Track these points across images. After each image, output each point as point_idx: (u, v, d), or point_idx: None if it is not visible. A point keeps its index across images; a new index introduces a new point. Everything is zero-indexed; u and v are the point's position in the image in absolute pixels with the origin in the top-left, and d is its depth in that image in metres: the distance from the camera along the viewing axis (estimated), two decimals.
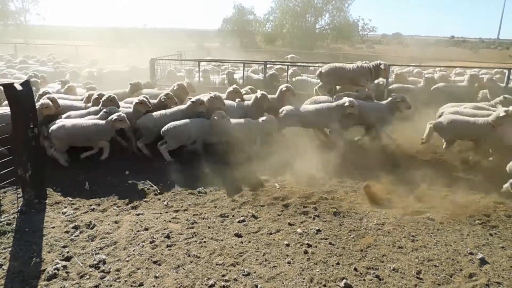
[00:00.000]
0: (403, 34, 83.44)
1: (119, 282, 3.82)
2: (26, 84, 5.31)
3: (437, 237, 4.84)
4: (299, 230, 4.86)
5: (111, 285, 3.77)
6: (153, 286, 3.77)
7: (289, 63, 13.29)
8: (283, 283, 3.87)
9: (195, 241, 4.56)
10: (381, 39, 68.17)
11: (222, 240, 4.61)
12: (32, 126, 5.29)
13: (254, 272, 4.02)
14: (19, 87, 5.15)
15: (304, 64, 14.20)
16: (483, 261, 4.34)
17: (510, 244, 4.73)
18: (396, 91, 10.01)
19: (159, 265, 4.10)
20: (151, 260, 4.17)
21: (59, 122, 6.90)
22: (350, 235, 4.83)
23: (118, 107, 7.51)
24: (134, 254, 4.26)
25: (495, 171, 6.77)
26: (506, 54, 44.75)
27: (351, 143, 8.21)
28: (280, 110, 8.15)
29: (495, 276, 4.08)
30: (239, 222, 5.07)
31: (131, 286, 3.76)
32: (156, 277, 3.89)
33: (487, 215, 5.45)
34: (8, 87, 5.08)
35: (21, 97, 5.15)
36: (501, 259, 4.40)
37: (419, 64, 16.96)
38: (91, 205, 5.45)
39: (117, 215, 5.21)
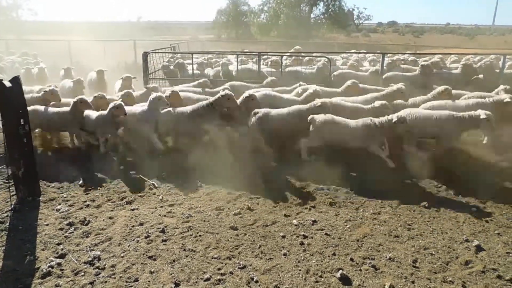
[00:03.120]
0: (398, 22, 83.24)
1: (114, 278, 3.79)
2: (16, 80, 5.23)
3: (433, 225, 4.84)
4: (295, 222, 4.85)
5: (106, 282, 3.74)
6: (149, 281, 3.75)
7: (283, 54, 13.19)
8: (279, 275, 3.86)
9: (191, 235, 4.53)
10: (376, 28, 67.92)
11: (217, 233, 4.58)
12: (23, 123, 5.23)
13: (250, 265, 4.00)
14: (8, 84, 5.08)
15: (301, 54, 14.08)
16: (479, 248, 4.33)
17: (505, 230, 4.73)
18: (391, 79, 9.96)
19: (155, 260, 4.08)
20: (146, 255, 4.15)
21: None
22: (346, 225, 4.81)
23: None
24: (129, 250, 4.24)
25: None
26: (501, 40, 44.63)
27: None
28: None
29: (491, 263, 4.08)
30: (234, 214, 5.05)
31: (126, 282, 3.74)
32: (151, 272, 3.87)
33: (482, 201, 5.45)
34: None
35: (11, 93, 5.07)
36: (497, 245, 4.40)
37: (414, 52, 16.90)
38: (85, 201, 5.41)
39: (111, 210, 5.17)
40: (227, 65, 11.40)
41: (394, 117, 6.25)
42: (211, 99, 7.37)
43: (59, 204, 5.32)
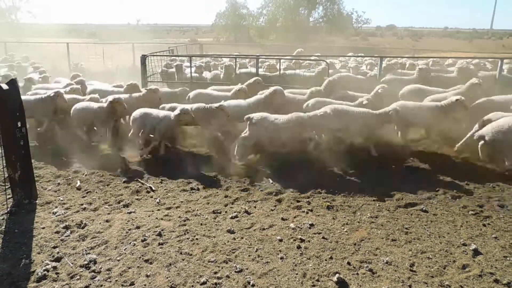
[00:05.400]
0: (397, 26, 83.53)
1: (110, 282, 3.77)
2: (13, 83, 5.22)
3: (430, 229, 4.83)
4: (292, 225, 4.83)
5: (101, 285, 3.71)
6: (145, 285, 3.72)
7: (281, 57, 13.22)
8: (275, 279, 3.84)
9: (187, 239, 4.52)
10: (375, 31, 68.16)
11: (214, 237, 4.57)
12: (20, 125, 5.21)
13: (247, 269, 3.98)
14: (5, 86, 5.06)
15: (300, 58, 14.12)
16: (476, 252, 4.32)
17: (503, 234, 4.72)
18: (389, 82, 9.97)
19: (151, 263, 4.06)
20: (143, 258, 4.12)
21: None
22: (343, 229, 4.80)
23: None
24: (125, 253, 4.21)
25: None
26: (499, 44, 44.86)
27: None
28: None
29: (488, 267, 4.07)
30: (231, 218, 5.03)
31: (122, 285, 3.72)
32: (147, 276, 3.84)
33: (480, 205, 5.45)
34: None
35: (8, 96, 5.06)
36: (494, 249, 4.39)
37: (412, 56, 16.95)
38: (82, 204, 5.39)
39: (108, 214, 5.15)
40: (232, 67, 11.38)
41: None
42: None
43: (56, 207, 5.29)
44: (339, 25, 46.51)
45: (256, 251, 4.29)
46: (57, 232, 4.63)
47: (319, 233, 4.68)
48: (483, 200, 5.61)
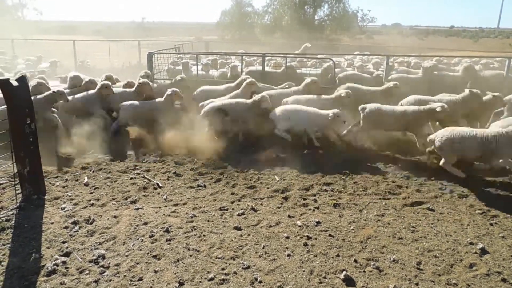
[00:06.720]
0: (402, 25, 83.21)
1: (119, 277, 3.80)
2: (22, 79, 5.27)
3: (437, 227, 4.83)
4: (298, 223, 4.85)
5: (110, 280, 3.75)
6: (153, 280, 3.76)
7: (287, 55, 13.19)
8: (282, 275, 3.86)
9: (195, 235, 4.55)
10: (380, 30, 67.89)
11: (221, 234, 4.59)
12: (29, 121, 5.26)
13: (254, 265, 4.00)
14: (15, 83, 5.11)
15: (305, 56, 14.10)
16: (483, 251, 4.32)
17: (510, 234, 4.71)
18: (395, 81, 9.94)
19: (159, 259, 4.09)
20: (151, 254, 4.16)
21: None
22: (350, 226, 4.81)
23: None
24: (133, 249, 4.25)
25: None
26: (506, 43, 44.51)
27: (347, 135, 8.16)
28: None
29: (496, 266, 4.07)
30: (238, 215, 5.05)
31: (131, 280, 3.75)
32: (155, 272, 3.88)
33: (487, 204, 5.44)
34: (4, 83, 5.03)
35: (17, 92, 5.10)
36: (502, 248, 4.39)
37: (418, 55, 16.88)
38: (90, 200, 5.43)
39: (116, 210, 5.19)
40: (236, 67, 11.44)
41: None
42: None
43: (64, 202, 5.34)
44: (344, 24, 46.30)
45: (263, 248, 4.31)
46: (66, 227, 4.68)
47: (326, 231, 4.69)
48: (490, 199, 5.59)
